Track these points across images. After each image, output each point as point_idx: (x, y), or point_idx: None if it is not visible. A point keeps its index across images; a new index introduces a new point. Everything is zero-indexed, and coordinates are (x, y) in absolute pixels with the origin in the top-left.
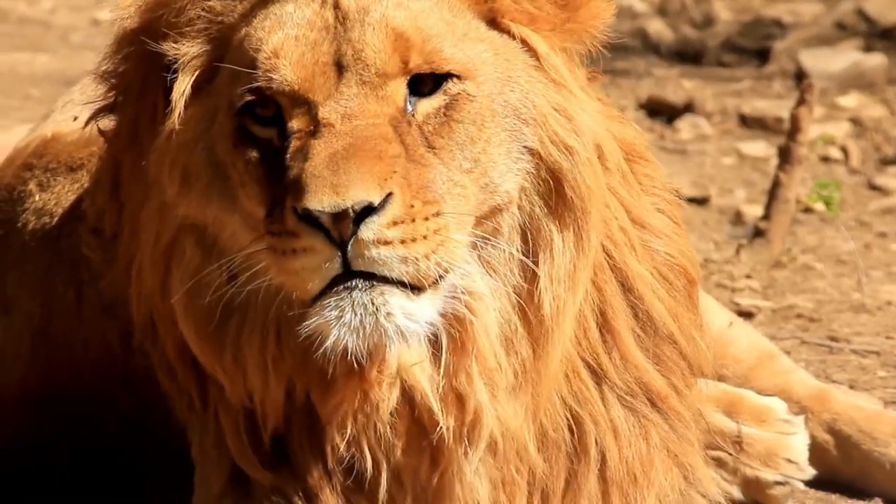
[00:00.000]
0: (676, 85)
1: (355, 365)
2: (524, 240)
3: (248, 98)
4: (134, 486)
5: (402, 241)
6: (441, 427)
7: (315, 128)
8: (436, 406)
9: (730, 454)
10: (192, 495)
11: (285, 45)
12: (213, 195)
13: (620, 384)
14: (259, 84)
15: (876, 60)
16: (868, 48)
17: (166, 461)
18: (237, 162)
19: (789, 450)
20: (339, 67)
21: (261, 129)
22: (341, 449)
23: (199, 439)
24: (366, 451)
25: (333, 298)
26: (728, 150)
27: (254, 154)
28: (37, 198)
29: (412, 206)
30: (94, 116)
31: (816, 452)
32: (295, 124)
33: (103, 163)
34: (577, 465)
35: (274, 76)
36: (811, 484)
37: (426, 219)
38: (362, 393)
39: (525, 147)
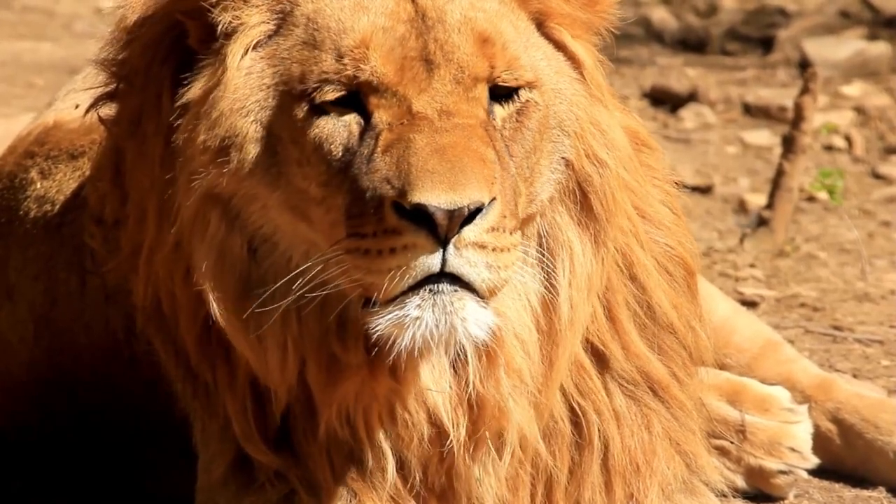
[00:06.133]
0: (680, 73)
1: (370, 359)
2: (539, 245)
3: (337, 90)
4: (133, 471)
5: (494, 249)
6: (451, 437)
7: (409, 121)
8: (446, 417)
9: (733, 443)
10: (188, 484)
11: (374, 36)
12: (256, 169)
13: (623, 373)
14: (347, 73)
15: (880, 49)
16: (872, 37)
17: (166, 449)
18: (301, 139)
19: (793, 439)
20: (428, 64)
21: (335, 108)
22: (337, 431)
23: (202, 425)
24: (365, 441)
25: (416, 298)
26: (732, 139)
27: (325, 133)
28: (38, 185)
29: (505, 216)
30: (95, 104)
31: (820, 441)
32: (383, 116)
33: (104, 150)
34: (581, 455)
35: (363, 66)
36: (814, 473)
37: (511, 232)
38: (372, 389)
39: (563, 158)
